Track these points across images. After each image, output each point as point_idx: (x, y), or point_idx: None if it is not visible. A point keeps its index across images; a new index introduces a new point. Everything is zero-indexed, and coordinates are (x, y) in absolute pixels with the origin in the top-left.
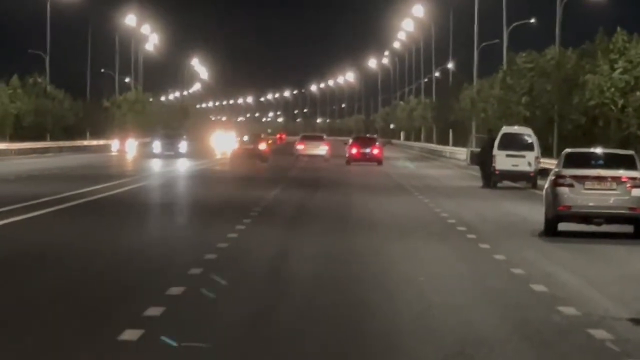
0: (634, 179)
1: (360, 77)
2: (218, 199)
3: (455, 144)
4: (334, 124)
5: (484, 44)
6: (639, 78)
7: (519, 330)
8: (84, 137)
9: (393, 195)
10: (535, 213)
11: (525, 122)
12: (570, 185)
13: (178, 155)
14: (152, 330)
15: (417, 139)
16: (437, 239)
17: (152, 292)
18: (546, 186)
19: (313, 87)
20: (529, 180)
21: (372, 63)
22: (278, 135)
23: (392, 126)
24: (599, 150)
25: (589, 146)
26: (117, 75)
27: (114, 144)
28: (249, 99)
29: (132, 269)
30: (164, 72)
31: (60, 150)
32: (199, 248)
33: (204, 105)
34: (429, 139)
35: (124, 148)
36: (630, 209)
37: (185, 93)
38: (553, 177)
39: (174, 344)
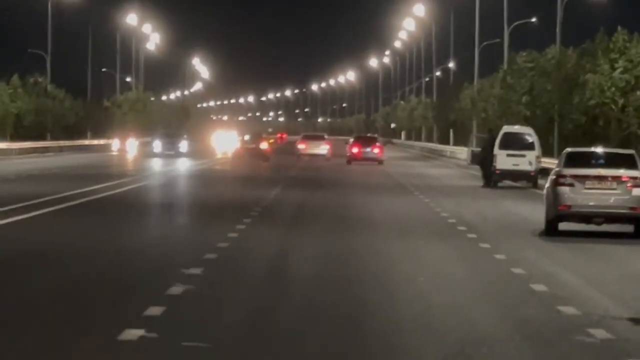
0: (634, 178)
1: (361, 77)
2: (219, 199)
3: (455, 144)
4: (334, 123)
5: (484, 43)
6: (639, 77)
7: (520, 329)
8: (84, 137)
9: (394, 195)
10: (535, 212)
11: (526, 121)
12: (571, 185)
13: (178, 154)
14: (153, 330)
15: (418, 139)
16: (437, 239)
17: (152, 292)
18: (547, 186)
19: (314, 87)
20: (529, 179)
21: (372, 62)
22: (279, 135)
23: (392, 126)
24: (599, 149)
25: (590, 146)
26: (118, 75)
27: (114, 144)
28: (250, 99)
29: (133, 269)
30: (165, 71)
31: (61, 149)
32: (199, 247)
33: (205, 104)
34: (429, 139)
35: (124, 147)
36: (631, 208)
37: (186, 92)
38: (554, 177)
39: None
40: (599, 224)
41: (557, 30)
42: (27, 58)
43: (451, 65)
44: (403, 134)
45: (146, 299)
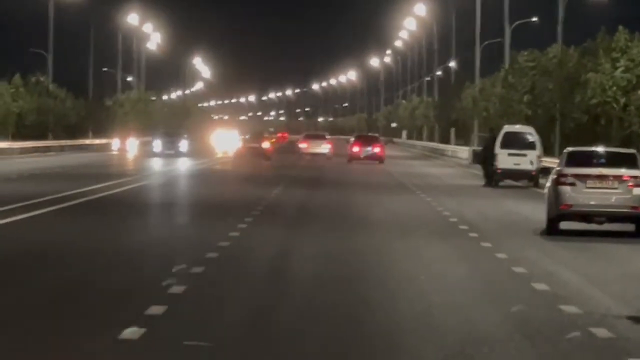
0: (635, 177)
1: (363, 76)
2: (220, 198)
3: (457, 143)
4: (336, 122)
5: (486, 42)
6: None
7: (520, 329)
8: (86, 136)
9: (395, 194)
10: (537, 212)
11: (527, 120)
12: (572, 184)
13: (178, 154)
14: (154, 329)
15: (419, 138)
16: (438, 238)
17: (153, 291)
18: (548, 185)
19: (315, 86)
20: (530, 179)
21: (374, 62)
22: (280, 134)
23: (394, 125)
24: (600, 149)
25: (591, 145)
26: (119, 74)
27: (115, 143)
28: (251, 98)
29: (134, 268)
30: (166, 71)
31: (62, 149)
32: (200, 247)
33: (206, 104)
34: (431, 138)
35: (125, 147)
36: (632, 207)
37: (187, 92)
38: (555, 176)
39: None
40: (600, 223)
41: (559, 29)
42: (28, 57)
43: (452, 64)
44: (404, 133)
45: (147, 298)
